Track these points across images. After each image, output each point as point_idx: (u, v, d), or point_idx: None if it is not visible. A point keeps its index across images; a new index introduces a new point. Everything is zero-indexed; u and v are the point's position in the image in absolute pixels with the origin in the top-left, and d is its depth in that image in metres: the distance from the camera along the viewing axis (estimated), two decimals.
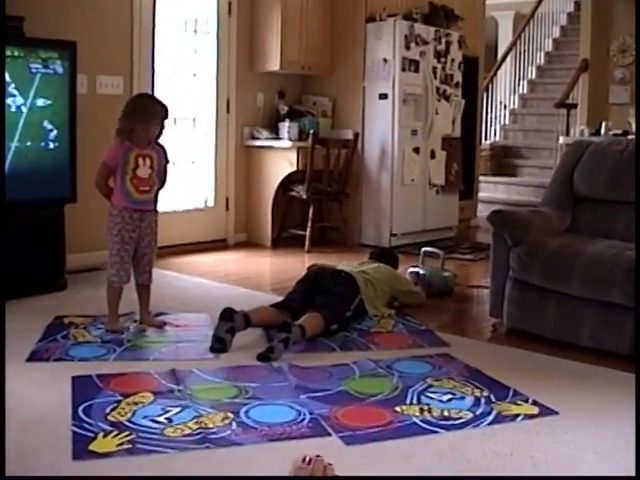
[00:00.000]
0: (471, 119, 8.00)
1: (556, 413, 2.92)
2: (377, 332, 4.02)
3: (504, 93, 11.11)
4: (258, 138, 6.68)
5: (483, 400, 3.04)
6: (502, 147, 10.51)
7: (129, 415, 2.78)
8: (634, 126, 7.50)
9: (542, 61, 11.39)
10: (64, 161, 4.63)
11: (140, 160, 3.78)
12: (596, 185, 4.36)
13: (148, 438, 2.59)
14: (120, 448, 2.51)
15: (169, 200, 6.12)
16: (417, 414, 2.87)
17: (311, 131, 6.47)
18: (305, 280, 4.22)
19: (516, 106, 11.16)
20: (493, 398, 3.06)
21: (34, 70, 4.41)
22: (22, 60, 4.35)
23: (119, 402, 2.90)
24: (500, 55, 11.35)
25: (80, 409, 2.81)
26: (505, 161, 10.33)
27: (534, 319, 3.97)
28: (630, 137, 6.48)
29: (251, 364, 3.40)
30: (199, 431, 2.65)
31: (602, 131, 7.40)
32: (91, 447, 2.50)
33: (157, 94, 5.38)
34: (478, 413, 2.90)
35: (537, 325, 3.96)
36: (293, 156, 6.49)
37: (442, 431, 2.73)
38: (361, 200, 6.89)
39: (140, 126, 3.74)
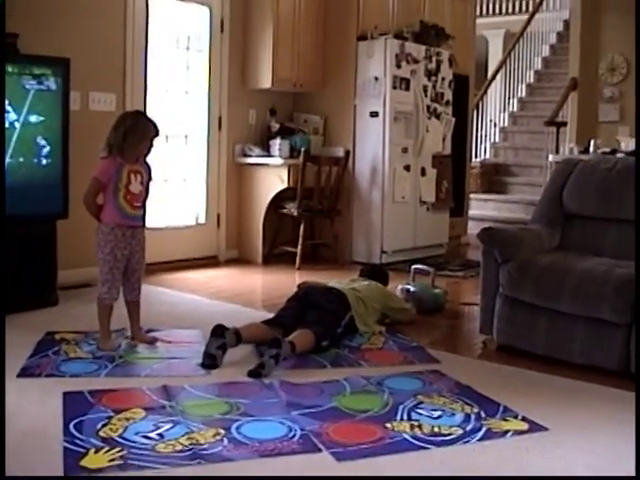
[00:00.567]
0: (461, 137, 8.06)
1: (546, 429, 2.93)
2: (368, 349, 4.02)
3: (494, 111, 11.20)
4: (250, 155, 6.70)
5: (473, 416, 3.05)
6: (492, 165, 10.57)
7: (120, 431, 2.77)
8: (623, 144, 7.55)
9: (532, 79, 11.49)
10: (56, 177, 4.65)
11: (132, 176, 3.79)
12: (585, 202, 4.39)
13: (139, 454, 2.58)
14: (111, 464, 2.50)
15: (161, 216, 6.14)
16: (408, 430, 2.88)
17: (302, 148, 6.50)
18: (296, 297, 4.23)
19: (506, 124, 11.24)
20: (483, 414, 3.07)
21: (28, 86, 4.44)
22: (16, 76, 4.38)
23: (110, 418, 2.89)
24: (490, 73, 11.43)
25: (71, 425, 2.81)
26: (495, 178, 10.38)
27: (525, 336, 3.98)
28: (619, 155, 6.51)
29: (242, 380, 3.40)
30: (190, 447, 2.65)
31: (591, 149, 7.44)
32: (82, 463, 2.50)
33: (149, 111, 5.43)
34: (468, 429, 2.91)
35: (528, 342, 3.98)
36: (284, 173, 6.51)
37: (432, 447, 2.74)
38: (352, 217, 6.91)
39: (141, 143, 3.76)
